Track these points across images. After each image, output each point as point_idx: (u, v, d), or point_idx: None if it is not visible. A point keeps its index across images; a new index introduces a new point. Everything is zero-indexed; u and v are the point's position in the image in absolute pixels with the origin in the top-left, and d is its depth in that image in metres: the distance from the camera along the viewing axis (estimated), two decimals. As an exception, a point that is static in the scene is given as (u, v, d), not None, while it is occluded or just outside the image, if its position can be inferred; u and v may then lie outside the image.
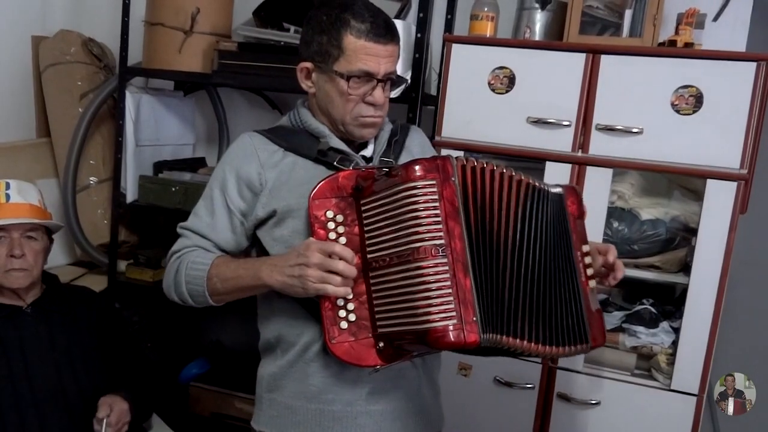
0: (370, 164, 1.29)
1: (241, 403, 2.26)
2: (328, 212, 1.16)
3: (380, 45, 1.22)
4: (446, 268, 1.06)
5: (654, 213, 1.83)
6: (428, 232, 1.06)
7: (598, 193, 1.74)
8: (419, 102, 2.02)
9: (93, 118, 2.42)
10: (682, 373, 1.72)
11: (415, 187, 1.08)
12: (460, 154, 1.84)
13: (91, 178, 2.49)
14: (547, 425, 1.84)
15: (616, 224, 1.82)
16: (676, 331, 1.76)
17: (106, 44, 2.62)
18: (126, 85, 2.36)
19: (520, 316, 1.14)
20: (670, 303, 1.90)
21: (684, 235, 1.82)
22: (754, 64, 1.60)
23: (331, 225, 1.16)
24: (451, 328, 1.04)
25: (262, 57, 2.15)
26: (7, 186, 1.69)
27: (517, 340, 1.14)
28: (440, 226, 1.07)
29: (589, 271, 1.26)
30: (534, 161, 1.81)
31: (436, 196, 1.08)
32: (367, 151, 1.33)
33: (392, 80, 1.27)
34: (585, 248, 1.27)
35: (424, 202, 1.07)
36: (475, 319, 1.06)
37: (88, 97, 2.47)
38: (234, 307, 2.27)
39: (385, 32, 1.23)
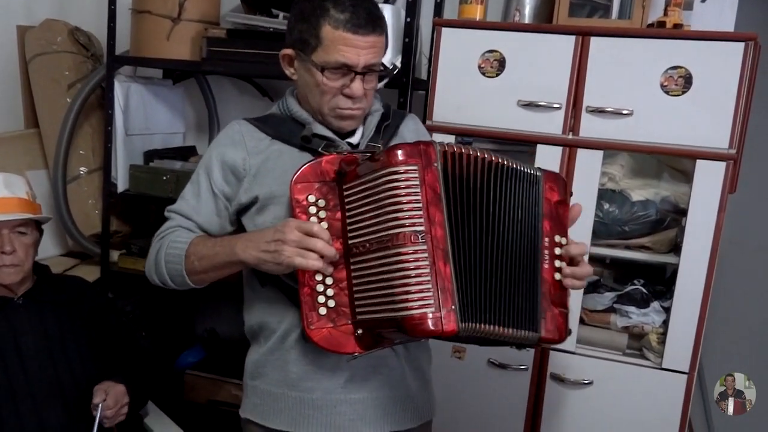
0: (356, 149, 1.28)
1: (237, 390, 2.28)
2: (309, 196, 1.15)
3: (359, 36, 1.18)
4: (426, 255, 1.04)
5: (644, 194, 1.84)
6: (409, 218, 1.05)
7: (588, 175, 1.76)
8: (410, 87, 2.02)
9: (81, 107, 2.40)
10: (672, 351, 1.74)
11: (396, 172, 1.06)
12: (451, 138, 1.85)
13: (81, 169, 2.48)
14: (540, 405, 1.86)
15: (606, 206, 1.83)
16: (667, 310, 1.78)
17: (92, 33, 2.59)
18: (114, 74, 2.34)
19: (493, 302, 1.12)
20: (660, 283, 1.92)
21: (674, 216, 1.83)
22: (742, 44, 1.60)
23: (312, 209, 1.14)
24: (429, 316, 1.03)
25: (252, 44, 2.14)
26: None
27: (492, 327, 1.11)
28: (421, 213, 1.05)
29: (558, 263, 1.19)
30: (525, 144, 1.81)
31: (417, 182, 1.06)
32: (354, 138, 1.31)
33: (376, 72, 1.23)
34: (561, 239, 1.20)
35: (405, 188, 1.06)
36: (453, 307, 1.04)
37: (76, 87, 2.45)
38: (228, 295, 2.30)
39: (365, 23, 1.18)
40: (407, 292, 1.03)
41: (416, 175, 1.06)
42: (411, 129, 1.39)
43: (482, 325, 1.09)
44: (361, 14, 1.18)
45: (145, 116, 2.48)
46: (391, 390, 1.30)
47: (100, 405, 1.57)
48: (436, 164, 1.08)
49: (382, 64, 1.26)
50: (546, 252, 1.18)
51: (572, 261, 1.20)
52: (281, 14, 2.18)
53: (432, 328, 1.03)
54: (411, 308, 1.03)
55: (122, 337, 1.85)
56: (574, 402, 1.84)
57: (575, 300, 1.79)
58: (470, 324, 1.07)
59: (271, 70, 2.13)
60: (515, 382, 1.87)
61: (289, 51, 1.27)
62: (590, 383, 1.82)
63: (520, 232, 1.16)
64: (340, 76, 1.21)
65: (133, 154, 2.42)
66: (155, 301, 2.53)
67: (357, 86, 1.22)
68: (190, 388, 2.38)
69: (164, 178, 2.29)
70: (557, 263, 1.19)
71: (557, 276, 1.18)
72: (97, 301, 1.85)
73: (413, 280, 1.03)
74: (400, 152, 1.07)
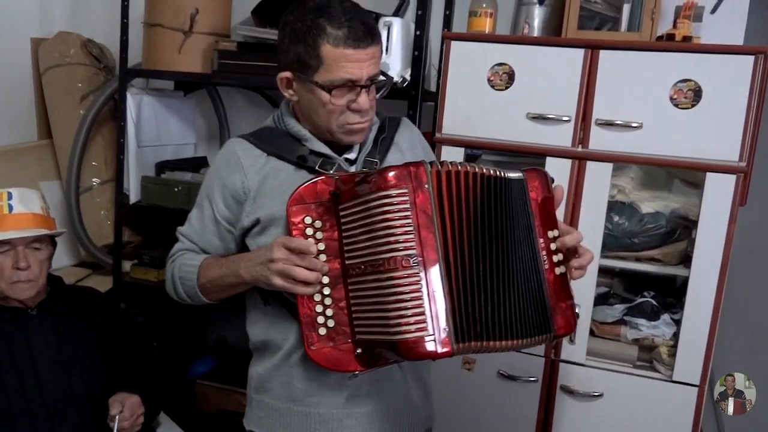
0: (352, 168, 1.28)
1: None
2: (306, 218, 1.15)
3: (360, 50, 1.17)
4: (418, 278, 1.05)
5: (654, 206, 1.84)
6: (400, 242, 1.05)
7: (598, 187, 1.76)
8: (419, 99, 2.03)
9: (94, 119, 2.43)
10: (683, 364, 1.73)
11: (388, 196, 1.06)
12: (461, 150, 1.86)
13: (93, 180, 2.51)
14: (550, 418, 1.86)
15: (616, 218, 1.83)
16: (677, 323, 1.78)
17: (105, 45, 2.62)
18: (127, 86, 2.37)
19: (490, 318, 1.11)
20: (671, 295, 1.92)
21: (684, 228, 1.83)
22: (752, 58, 1.60)
23: (309, 231, 1.15)
24: (423, 340, 1.03)
25: (262, 56, 2.15)
26: (9, 196, 1.67)
27: (489, 342, 1.11)
28: (412, 236, 1.06)
29: (556, 258, 1.20)
30: (534, 157, 1.82)
31: (408, 205, 1.06)
32: (352, 154, 1.30)
33: (377, 82, 1.22)
34: (552, 233, 1.20)
35: (396, 212, 1.06)
36: (447, 329, 1.05)
37: (88, 99, 2.48)
38: (238, 305, 2.30)
39: (364, 35, 1.17)
40: (401, 317, 1.04)
41: (407, 198, 1.06)
42: (406, 137, 1.38)
43: (485, 342, 1.10)
44: (359, 27, 1.17)
45: (157, 128, 2.51)
46: (395, 402, 1.31)
47: (117, 416, 1.58)
48: (426, 185, 1.08)
49: (382, 72, 1.25)
50: (543, 252, 1.18)
51: (570, 251, 1.21)
52: (291, 27, 2.19)
53: (426, 351, 1.04)
54: (405, 332, 1.04)
55: (134, 347, 1.86)
56: (585, 414, 1.83)
57: (585, 312, 1.79)
58: (468, 343, 1.07)
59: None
60: (525, 394, 1.87)
61: (287, 74, 1.23)
62: (600, 395, 1.81)
63: (517, 239, 1.16)
64: (346, 92, 1.20)
65: (144, 165, 2.45)
66: (167, 311, 2.55)
67: (364, 100, 1.21)
68: (201, 398, 2.40)
69: (176, 189, 2.31)
70: (555, 258, 1.19)
71: (558, 271, 1.19)
72: (110, 312, 1.87)
73: (407, 304, 1.04)
74: (391, 175, 1.07)
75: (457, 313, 1.07)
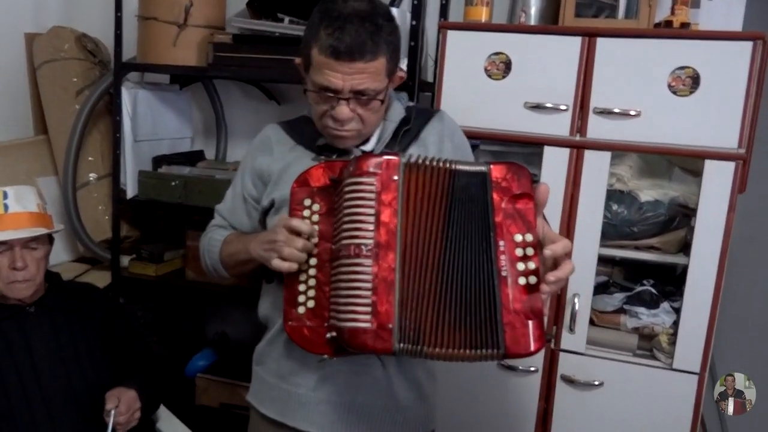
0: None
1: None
2: (305, 200, 1.18)
3: (343, 63, 1.15)
4: (370, 269, 1.04)
5: (653, 194, 1.83)
6: (360, 230, 1.06)
7: (596, 176, 1.75)
8: (416, 89, 2.02)
9: (90, 114, 2.42)
10: (683, 352, 1.73)
11: (358, 183, 1.08)
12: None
13: (90, 175, 2.49)
14: (551, 407, 1.86)
15: (615, 207, 1.82)
16: (677, 311, 1.78)
17: (99, 39, 2.60)
18: (122, 81, 2.35)
19: (438, 324, 1.07)
20: (670, 283, 1.91)
21: (683, 216, 1.82)
22: (750, 44, 1.59)
23: (306, 213, 1.17)
24: (365, 331, 1.03)
25: (258, 48, 2.14)
26: (5, 195, 1.66)
27: (434, 349, 1.06)
28: (372, 226, 1.06)
29: (523, 265, 1.07)
30: (532, 146, 1.81)
31: (373, 195, 1.07)
32: (368, 145, 1.32)
33: (369, 96, 1.20)
34: (522, 237, 1.08)
35: (362, 199, 1.07)
36: (391, 326, 1.04)
37: (84, 94, 2.47)
38: (238, 299, 2.31)
39: (348, 50, 1.14)
40: (350, 304, 1.05)
41: (373, 188, 1.07)
42: (434, 131, 1.35)
43: (429, 348, 1.06)
44: (345, 40, 1.14)
45: (153, 122, 2.49)
46: (375, 399, 1.31)
47: (112, 411, 1.58)
48: (396, 177, 1.08)
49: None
50: (503, 256, 1.07)
51: (556, 260, 1.08)
52: (287, 18, 2.18)
53: (366, 343, 1.04)
54: (351, 320, 1.05)
55: (133, 342, 1.86)
56: (585, 403, 1.84)
57: (585, 302, 1.79)
58: (412, 346, 1.06)
59: (277, 74, 2.15)
60: (525, 384, 1.87)
61: (299, 61, 1.28)
62: (601, 384, 1.81)
63: (470, 241, 1.09)
64: (326, 99, 1.21)
65: (141, 159, 2.44)
66: (166, 305, 2.54)
67: (341, 110, 1.20)
68: (201, 392, 2.39)
69: (173, 183, 2.30)
70: (521, 266, 1.07)
71: (522, 281, 1.07)
72: (108, 307, 1.86)
73: (356, 293, 1.05)
74: (365, 162, 1.09)
75: (405, 312, 1.06)
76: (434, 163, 1.11)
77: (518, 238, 1.08)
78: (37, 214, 1.69)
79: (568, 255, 1.09)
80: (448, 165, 1.11)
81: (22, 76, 2.60)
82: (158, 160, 2.45)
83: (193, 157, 2.56)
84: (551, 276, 1.06)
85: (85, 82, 2.49)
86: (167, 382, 1.90)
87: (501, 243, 1.07)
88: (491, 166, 1.10)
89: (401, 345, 1.05)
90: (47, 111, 2.55)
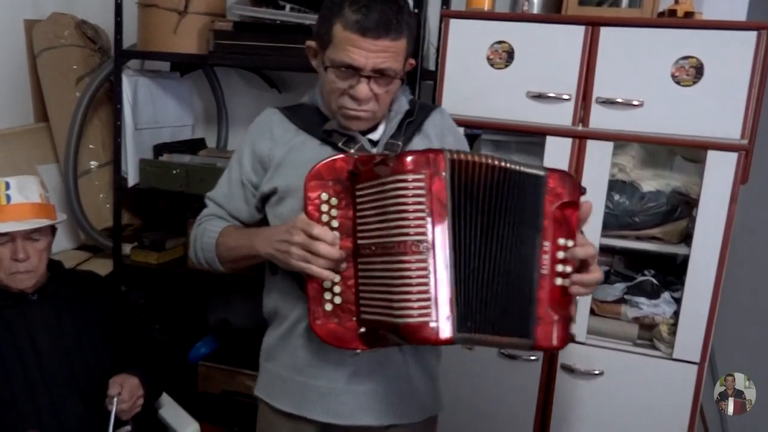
0: (375, 149, 1.29)
1: (250, 380, 2.29)
2: (322, 194, 1.16)
3: (369, 39, 1.16)
4: (426, 264, 1.05)
5: (655, 184, 1.83)
6: (413, 227, 1.06)
7: (599, 166, 1.75)
8: (418, 78, 2.01)
9: (90, 102, 2.41)
10: (683, 342, 1.74)
11: (404, 180, 1.07)
12: (460, 130, 1.84)
13: (91, 163, 2.49)
14: (551, 396, 1.87)
15: (617, 197, 1.82)
16: (678, 301, 1.78)
17: (99, 26, 2.59)
18: (122, 68, 2.34)
19: (488, 310, 1.12)
20: (671, 273, 1.92)
21: (685, 206, 1.82)
22: (754, 34, 1.59)
23: (324, 207, 1.16)
24: (426, 324, 1.04)
25: (259, 36, 2.13)
26: (7, 186, 1.64)
27: (485, 335, 1.11)
28: (425, 222, 1.06)
29: (561, 267, 1.15)
30: (534, 136, 1.80)
31: (423, 191, 1.07)
32: (375, 134, 1.31)
33: (389, 76, 1.21)
34: (564, 241, 1.16)
35: (411, 196, 1.06)
36: (450, 317, 1.06)
37: (84, 81, 2.45)
38: (240, 286, 2.31)
39: (375, 26, 1.15)
40: (407, 300, 1.05)
41: (423, 185, 1.07)
42: (436, 125, 1.36)
43: (476, 334, 1.10)
44: (373, 17, 1.15)
45: (154, 110, 2.49)
46: (394, 384, 1.32)
47: (115, 398, 1.59)
48: (444, 173, 1.08)
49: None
50: (545, 256, 1.15)
51: (582, 264, 1.17)
52: (288, 6, 2.17)
53: (428, 336, 1.05)
54: (409, 316, 1.05)
55: (136, 330, 1.87)
56: (585, 392, 1.85)
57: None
58: (467, 333, 1.08)
59: (278, 61, 2.14)
60: (526, 373, 1.88)
61: (312, 43, 1.27)
62: (601, 374, 1.82)
63: (518, 237, 1.14)
64: (347, 77, 1.21)
65: (142, 147, 2.43)
66: (168, 293, 2.55)
67: (362, 88, 1.20)
68: (203, 379, 2.41)
69: (174, 172, 2.30)
70: (560, 267, 1.15)
71: (558, 281, 1.15)
72: (110, 295, 1.87)
73: (414, 289, 1.05)
74: (409, 160, 1.08)
75: (461, 303, 1.08)
76: (483, 160, 1.12)
77: (561, 242, 1.16)
78: (39, 204, 1.68)
79: (590, 260, 1.16)
80: (500, 163, 1.13)
81: (22, 63, 2.59)
82: (159, 148, 2.44)
83: (194, 145, 2.56)
84: (575, 276, 1.15)
85: (86, 69, 2.48)
86: (170, 369, 1.91)
87: (546, 244, 1.15)
88: (549, 172, 1.17)
89: (460, 334, 1.07)
90: (47, 98, 2.54)
